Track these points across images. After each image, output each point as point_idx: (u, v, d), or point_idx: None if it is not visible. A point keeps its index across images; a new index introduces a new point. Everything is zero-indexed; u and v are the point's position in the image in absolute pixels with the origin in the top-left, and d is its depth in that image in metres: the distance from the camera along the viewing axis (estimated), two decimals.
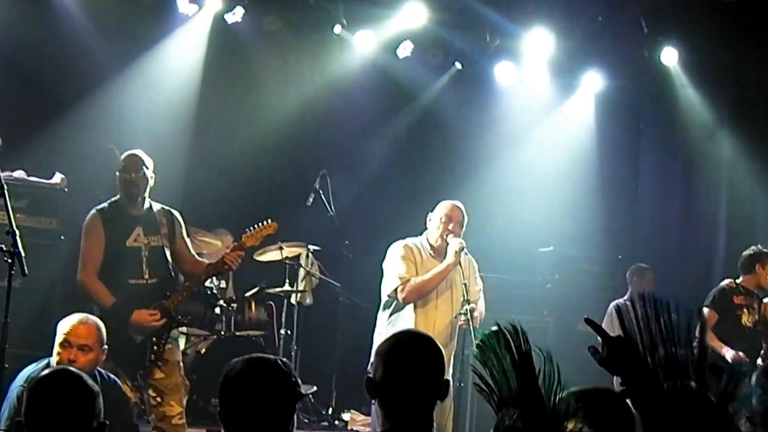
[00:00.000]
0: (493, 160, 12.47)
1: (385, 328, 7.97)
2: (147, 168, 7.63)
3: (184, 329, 10.13)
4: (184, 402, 7.53)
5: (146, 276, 7.46)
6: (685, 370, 2.52)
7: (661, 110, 13.13)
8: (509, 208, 11.98)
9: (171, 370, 7.41)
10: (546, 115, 12.96)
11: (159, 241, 7.60)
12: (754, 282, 9.92)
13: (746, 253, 10.03)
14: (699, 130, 12.75)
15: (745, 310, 9.84)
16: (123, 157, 7.67)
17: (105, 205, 7.61)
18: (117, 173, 7.57)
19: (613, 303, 10.71)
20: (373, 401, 3.62)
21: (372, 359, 3.69)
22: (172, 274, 7.71)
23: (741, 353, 9.44)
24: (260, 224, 8.10)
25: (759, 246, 10.03)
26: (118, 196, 7.62)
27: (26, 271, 6.00)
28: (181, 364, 7.62)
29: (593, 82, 12.84)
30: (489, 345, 2.77)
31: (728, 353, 9.37)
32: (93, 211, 7.57)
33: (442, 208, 8.12)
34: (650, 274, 10.92)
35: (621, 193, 13.28)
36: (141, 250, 7.49)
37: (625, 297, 10.72)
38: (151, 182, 7.65)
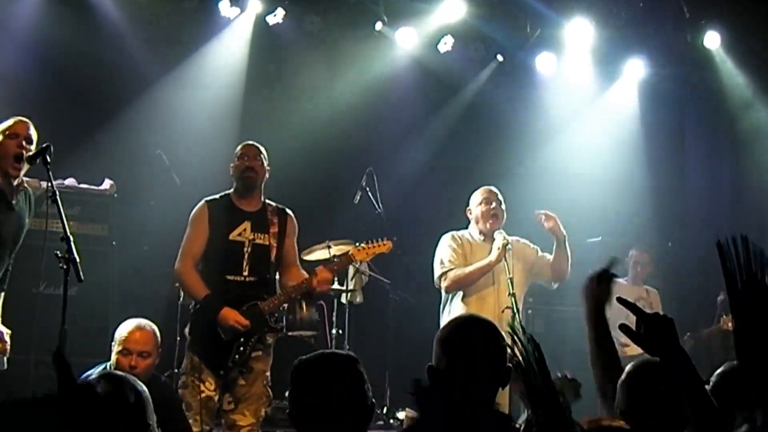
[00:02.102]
0: (539, 152, 12.44)
1: (442, 317, 8.09)
2: (265, 159, 7.59)
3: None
4: (262, 414, 7.26)
5: (245, 273, 7.23)
6: None
7: (705, 95, 13.02)
8: (556, 199, 11.89)
9: (254, 378, 7.15)
10: (590, 105, 12.89)
11: (265, 240, 7.39)
12: None
13: None
14: (744, 113, 12.64)
15: None
16: (240, 146, 7.61)
17: (216, 196, 7.47)
18: (232, 163, 7.50)
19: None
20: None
21: (434, 346, 3.67)
22: (273, 275, 7.52)
23: None
24: (376, 241, 8.13)
25: None
26: (231, 189, 7.50)
27: (82, 277, 6.04)
28: (268, 375, 7.28)
29: (636, 69, 12.75)
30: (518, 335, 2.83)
31: None
32: (202, 202, 7.41)
33: (475, 194, 8.44)
34: (648, 256, 10.91)
35: (668, 181, 13.18)
36: (244, 245, 7.25)
37: (627, 278, 10.74)
38: (266, 175, 7.57)
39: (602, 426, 3.39)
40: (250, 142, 7.65)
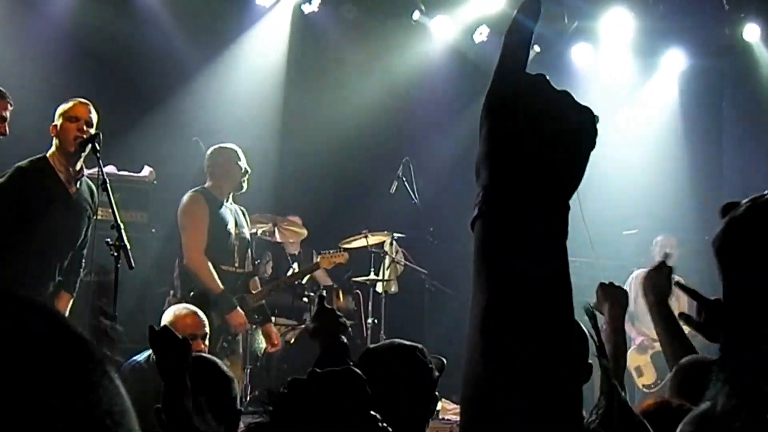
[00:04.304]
0: None
1: None
2: None
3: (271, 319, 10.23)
4: None
5: (236, 264, 7.58)
6: None
7: (744, 88, 12.94)
8: (592, 191, 11.83)
9: (236, 360, 7.52)
10: (628, 96, 12.84)
11: (245, 234, 7.82)
12: None
13: None
14: None
15: None
16: (238, 149, 7.79)
17: (200, 189, 7.72)
18: (236, 162, 7.69)
19: (636, 271, 10.70)
20: None
21: None
22: (255, 267, 7.93)
23: None
24: (334, 251, 9.01)
25: None
26: (208, 185, 7.74)
27: (133, 264, 6.03)
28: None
29: (674, 61, 12.69)
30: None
31: None
32: (192, 192, 7.64)
33: None
34: (675, 240, 10.89)
35: (706, 173, 13.10)
36: (233, 237, 7.58)
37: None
38: None
39: (671, 405, 3.35)
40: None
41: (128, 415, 0.85)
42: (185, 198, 7.80)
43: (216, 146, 8.08)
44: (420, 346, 3.58)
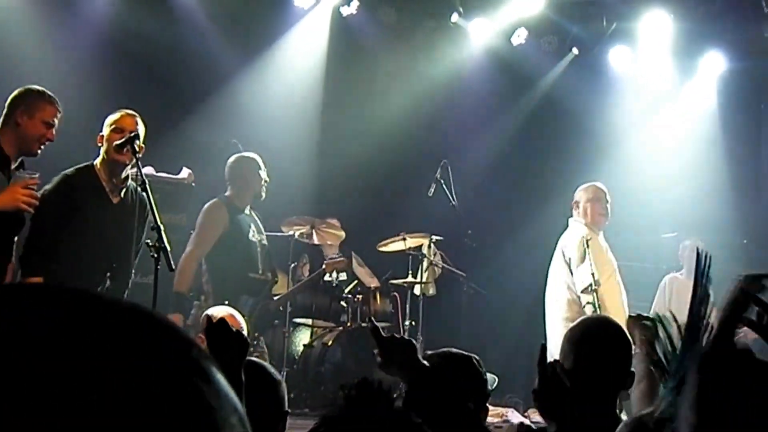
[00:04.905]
0: (615, 146, 12.35)
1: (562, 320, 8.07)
2: None
3: (309, 321, 10.27)
4: None
5: (260, 272, 7.69)
6: None
7: None
8: (632, 193, 11.81)
9: None
10: (667, 99, 12.78)
11: (265, 241, 8.01)
12: None
13: None
14: None
15: None
16: (258, 159, 7.90)
17: (224, 197, 7.84)
18: (257, 172, 7.80)
19: (668, 275, 10.66)
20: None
21: (561, 344, 3.68)
22: (276, 273, 8.12)
23: None
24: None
25: None
26: (229, 193, 7.94)
27: (173, 266, 6.05)
28: None
29: (713, 64, 12.61)
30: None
31: None
32: (216, 200, 7.80)
33: (586, 189, 8.61)
34: (703, 244, 10.84)
35: (745, 176, 13.02)
36: (256, 246, 7.69)
37: (681, 271, 10.66)
38: None
39: None
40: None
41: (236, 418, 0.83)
42: (207, 204, 8.03)
43: (237, 155, 8.30)
44: (476, 357, 3.59)
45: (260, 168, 8.03)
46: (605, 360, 3.48)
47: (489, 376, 3.69)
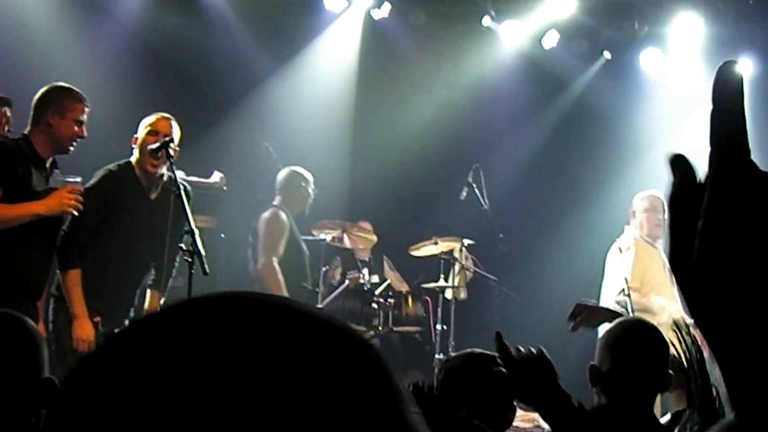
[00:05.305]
0: (648, 150, 12.24)
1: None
2: None
3: None
4: None
5: (309, 281, 7.80)
6: None
7: None
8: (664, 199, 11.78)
9: None
10: (699, 102, 12.69)
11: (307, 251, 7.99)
12: None
13: None
14: None
15: None
16: (310, 176, 8.12)
17: (282, 207, 8.02)
18: (308, 188, 8.03)
19: None
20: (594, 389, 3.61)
21: (598, 347, 3.67)
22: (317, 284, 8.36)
23: None
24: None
25: None
26: (281, 202, 8.05)
27: (207, 270, 6.05)
28: None
29: (745, 67, 12.52)
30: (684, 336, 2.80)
31: None
32: (278, 209, 7.98)
33: (643, 199, 8.61)
34: None
35: None
36: (306, 256, 7.80)
37: None
38: None
39: None
40: None
41: None
42: (271, 212, 8.29)
43: (291, 169, 8.53)
44: (498, 355, 3.57)
45: (310, 185, 8.23)
46: (642, 362, 3.47)
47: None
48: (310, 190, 8.31)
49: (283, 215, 8.11)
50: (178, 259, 6.69)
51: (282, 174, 8.63)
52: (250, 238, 8.75)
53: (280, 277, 7.82)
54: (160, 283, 6.68)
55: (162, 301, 6.69)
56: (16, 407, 2.95)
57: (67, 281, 6.09)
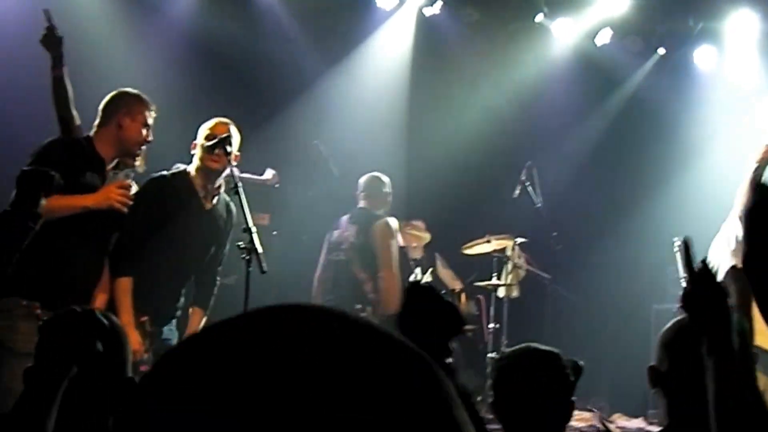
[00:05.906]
0: (702, 148, 12.16)
1: None
2: None
3: None
4: None
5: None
6: None
7: None
8: (722, 197, 11.66)
9: None
10: (753, 99, 12.56)
11: None
12: None
13: None
14: None
15: None
16: (386, 178, 8.42)
17: (374, 212, 8.59)
18: (389, 191, 8.71)
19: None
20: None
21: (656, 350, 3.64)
22: None
23: None
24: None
25: None
26: (367, 207, 8.72)
27: (265, 268, 6.03)
28: None
29: None
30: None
31: None
32: (386, 217, 8.46)
33: None
34: None
35: None
36: None
37: None
38: None
39: None
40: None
41: None
42: (381, 223, 8.44)
43: (375, 174, 8.82)
44: (556, 351, 3.55)
45: (389, 188, 8.47)
46: (700, 361, 3.42)
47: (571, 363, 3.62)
48: (389, 197, 8.57)
49: (391, 224, 8.40)
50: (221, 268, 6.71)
51: (364, 179, 8.83)
52: (343, 247, 8.74)
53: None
54: (202, 299, 6.63)
55: (203, 321, 6.64)
56: (105, 406, 3.00)
57: (117, 289, 6.04)
